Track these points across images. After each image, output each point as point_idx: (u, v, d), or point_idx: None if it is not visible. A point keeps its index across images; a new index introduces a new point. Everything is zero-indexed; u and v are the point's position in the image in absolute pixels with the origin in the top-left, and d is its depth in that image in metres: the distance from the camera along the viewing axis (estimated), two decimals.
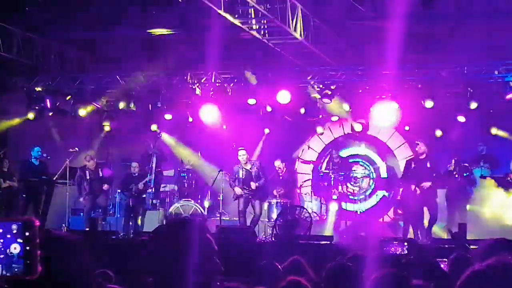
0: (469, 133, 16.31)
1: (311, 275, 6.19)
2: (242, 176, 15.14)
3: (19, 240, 1.99)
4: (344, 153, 17.91)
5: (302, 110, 16.41)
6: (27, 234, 1.99)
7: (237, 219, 15.38)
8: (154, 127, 17.50)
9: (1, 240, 2.00)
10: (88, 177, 15.93)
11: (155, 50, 17.18)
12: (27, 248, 1.98)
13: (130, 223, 15.73)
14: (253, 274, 5.95)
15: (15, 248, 1.99)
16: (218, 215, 15.85)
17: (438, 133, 16.36)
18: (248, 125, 17.37)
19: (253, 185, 15.06)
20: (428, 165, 14.13)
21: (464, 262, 5.55)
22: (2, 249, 2.00)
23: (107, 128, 17.86)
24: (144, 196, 16.17)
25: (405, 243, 6.97)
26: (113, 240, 13.95)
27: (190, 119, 17.48)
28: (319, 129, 17.78)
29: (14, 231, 2.00)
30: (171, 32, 16.77)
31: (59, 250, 2.26)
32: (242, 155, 15.32)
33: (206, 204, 16.77)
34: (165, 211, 16.53)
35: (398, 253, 6.90)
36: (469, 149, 16.17)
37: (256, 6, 13.30)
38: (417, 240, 12.55)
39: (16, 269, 1.99)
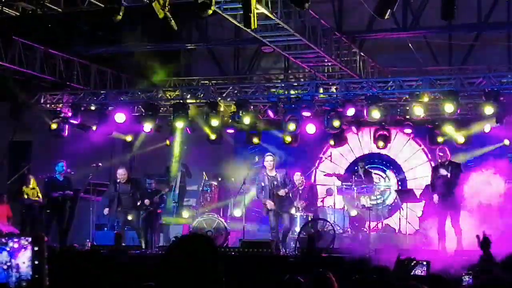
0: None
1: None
2: (268, 183, 14.63)
3: (29, 255, 2.04)
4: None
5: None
6: (36, 248, 2.04)
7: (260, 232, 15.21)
8: (167, 142, 17.72)
9: (12, 254, 2.05)
10: (117, 190, 15.86)
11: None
12: (36, 262, 2.03)
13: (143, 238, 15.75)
14: None
15: (23, 263, 2.02)
16: (241, 228, 15.74)
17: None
18: None
19: (282, 192, 14.52)
20: (448, 173, 13.95)
21: (488, 275, 5.48)
22: (13, 262, 2.04)
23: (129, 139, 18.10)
24: (156, 211, 16.23)
25: (424, 263, 6.64)
26: (137, 254, 14.03)
27: None
28: (331, 141, 17.75)
29: (24, 246, 2.04)
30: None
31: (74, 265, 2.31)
32: (269, 160, 14.81)
33: (237, 213, 16.75)
34: (188, 225, 16.53)
35: (417, 273, 6.56)
36: None
37: (275, 19, 13.34)
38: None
39: (25, 283, 2.03)
